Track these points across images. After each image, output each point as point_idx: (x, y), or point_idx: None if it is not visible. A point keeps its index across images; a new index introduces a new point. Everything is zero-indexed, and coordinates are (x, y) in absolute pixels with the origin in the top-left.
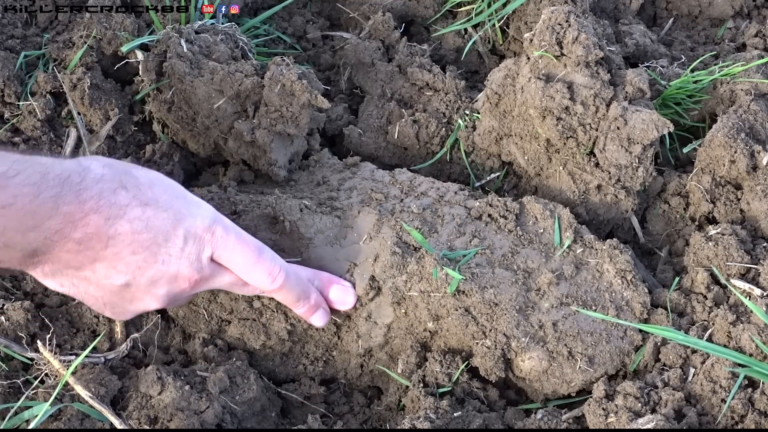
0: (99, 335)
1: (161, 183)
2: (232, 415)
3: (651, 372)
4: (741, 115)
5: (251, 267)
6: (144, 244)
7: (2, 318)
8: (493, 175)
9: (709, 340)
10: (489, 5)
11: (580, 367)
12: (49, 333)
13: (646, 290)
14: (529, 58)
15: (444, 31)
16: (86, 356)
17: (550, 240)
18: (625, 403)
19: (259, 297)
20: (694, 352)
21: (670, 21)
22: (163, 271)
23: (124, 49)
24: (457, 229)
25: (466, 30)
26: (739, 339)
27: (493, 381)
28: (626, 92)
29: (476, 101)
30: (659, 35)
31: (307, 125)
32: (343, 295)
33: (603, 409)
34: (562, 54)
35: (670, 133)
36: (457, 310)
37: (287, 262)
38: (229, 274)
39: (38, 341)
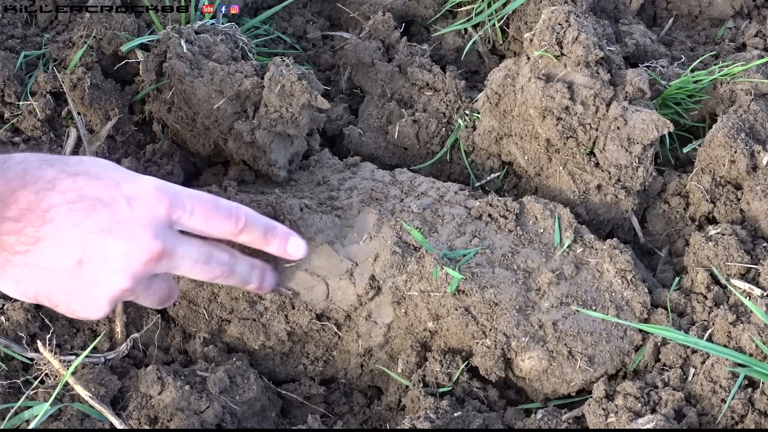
0: (99, 335)
1: (91, 160)
2: (232, 415)
3: (651, 372)
4: (741, 115)
5: (213, 215)
6: (82, 213)
7: (2, 318)
8: (493, 175)
9: (709, 340)
10: (489, 5)
11: (580, 366)
12: (49, 333)
13: (646, 290)
14: (529, 58)
15: (444, 31)
16: (86, 356)
17: (550, 240)
18: (625, 403)
19: (261, 298)
20: (694, 352)
21: (670, 21)
22: (112, 241)
23: (123, 49)
24: (457, 229)
25: (466, 30)
26: (739, 339)
27: (493, 381)
28: (626, 92)
29: (476, 101)
30: (659, 35)
31: (307, 126)
32: (296, 246)
33: (603, 409)
34: (562, 54)
35: (670, 133)
36: (457, 309)
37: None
38: (191, 243)
39: (38, 341)
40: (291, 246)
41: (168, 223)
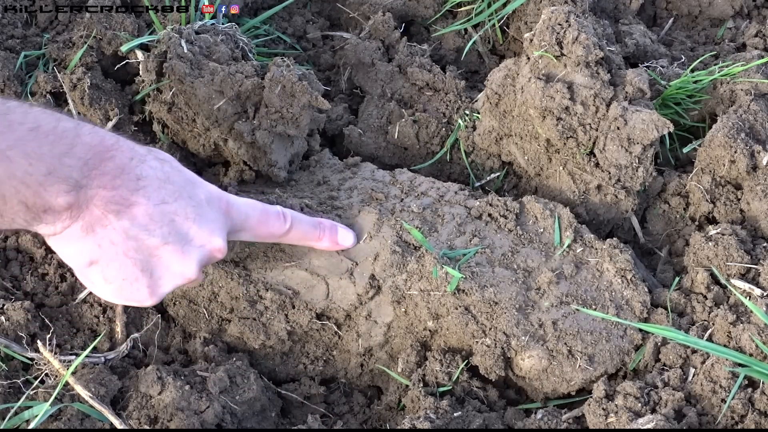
0: (99, 335)
1: (168, 155)
2: (232, 415)
3: (651, 372)
4: (741, 115)
5: (264, 216)
6: (172, 194)
7: (2, 318)
8: (493, 175)
9: (709, 340)
10: (489, 5)
11: (580, 365)
12: (49, 333)
13: (646, 289)
14: (529, 58)
15: (444, 31)
16: (86, 356)
17: (550, 239)
18: (625, 403)
19: (261, 297)
20: (694, 352)
21: (670, 21)
22: (195, 229)
23: (123, 48)
24: (457, 229)
25: (466, 30)
26: (739, 339)
27: (493, 380)
28: (626, 92)
29: (476, 101)
30: (659, 35)
31: (308, 126)
32: (345, 236)
33: (603, 409)
34: (562, 54)
35: (670, 133)
36: (457, 308)
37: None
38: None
39: (38, 341)
40: (341, 237)
41: (229, 223)
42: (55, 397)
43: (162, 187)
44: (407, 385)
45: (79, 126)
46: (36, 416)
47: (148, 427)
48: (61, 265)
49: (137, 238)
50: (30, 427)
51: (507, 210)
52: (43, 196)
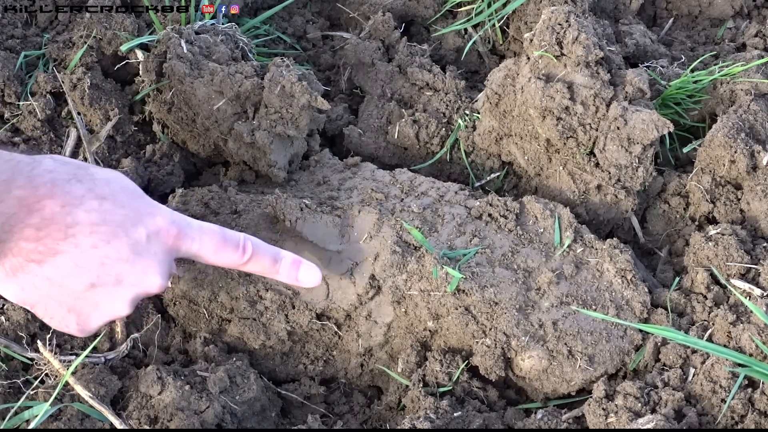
0: (99, 335)
1: (117, 181)
2: (232, 415)
3: (651, 372)
4: (741, 115)
5: (221, 248)
6: (104, 237)
7: (2, 318)
8: (493, 175)
9: (709, 340)
10: (489, 5)
11: (580, 366)
12: (49, 333)
13: (646, 290)
14: (529, 58)
15: (444, 31)
16: (86, 356)
17: (550, 239)
18: (625, 403)
19: (261, 297)
20: (694, 352)
21: (670, 21)
22: (127, 269)
23: (123, 48)
24: (457, 229)
25: (466, 30)
26: (739, 339)
27: (493, 380)
28: (626, 92)
29: (476, 101)
30: (659, 35)
31: (307, 126)
32: (308, 273)
33: (603, 409)
34: (562, 54)
35: (670, 133)
36: (457, 309)
37: None
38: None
39: (38, 341)
40: (303, 272)
41: (176, 254)
42: (55, 397)
43: (94, 232)
44: (407, 385)
45: (13, 177)
46: (36, 416)
47: (148, 427)
48: None
49: (61, 284)
50: (30, 427)
51: (507, 210)
52: None
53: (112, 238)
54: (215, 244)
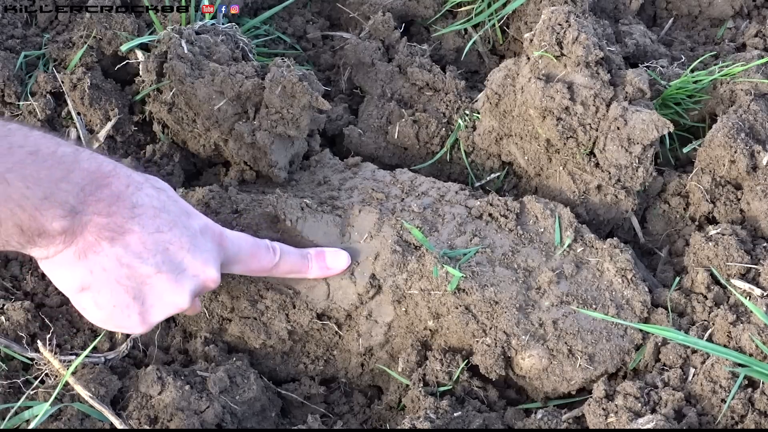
0: (99, 335)
1: (165, 183)
2: (232, 415)
3: (651, 372)
4: (741, 115)
5: (255, 249)
6: (167, 223)
7: (2, 318)
8: (493, 175)
9: (709, 340)
10: (489, 5)
11: (580, 365)
12: (49, 333)
13: (647, 289)
14: (529, 58)
15: (444, 31)
16: (86, 356)
17: (551, 239)
18: (625, 403)
19: (261, 296)
20: (694, 352)
21: (670, 21)
22: (189, 259)
23: (123, 48)
24: (457, 228)
25: (466, 30)
26: (739, 339)
27: (493, 379)
28: (626, 92)
29: (476, 101)
30: (659, 35)
31: (308, 127)
32: (336, 258)
33: (603, 409)
34: (562, 54)
35: (670, 133)
36: (457, 308)
37: None
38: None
39: (38, 341)
40: (329, 259)
41: (222, 253)
42: (55, 397)
43: (157, 216)
44: (407, 385)
45: (77, 152)
46: (36, 416)
47: (148, 427)
48: None
49: (130, 265)
50: (30, 427)
51: (507, 210)
52: (39, 219)
53: (173, 225)
54: (250, 246)
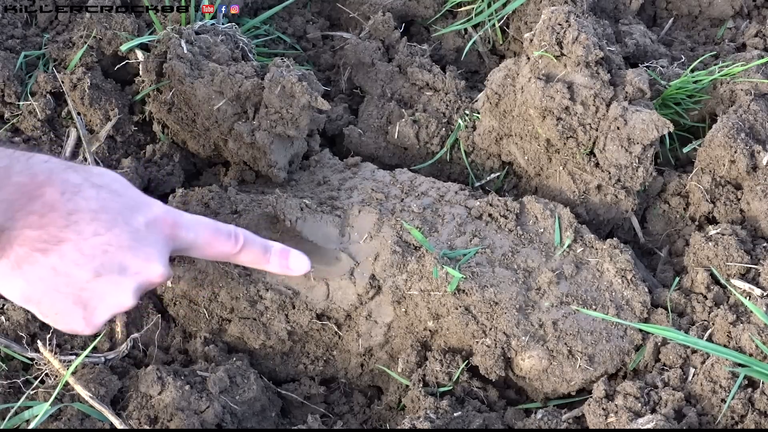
0: (99, 335)
1: (109, 174)
2: (232, 415)
3: (651, 372)
4: (741, 115)
5: (214, 238)
6: (105, 225)
7: (2, 318)
8: (493, 175)
9: (709, 340)
10: (489, 5)
11: (580, 365)
12: (49, 333)
13: (647, 289)
14: (529, 58)
15: (444, 31)
16: (86, 356)
17: (551, 239)
18: (625, 403)
19: (261, 297)
20: (694, 352)
21: (670, 21)
22: (130, 257)
23: (123, 48)
24: (457, 229)
25: (466, 30)
26: (739, 339)
27: (493, 380)
28: (626, 92)
29: (476, 101)
30: (659, 35)
31: (307, 127)
32: (297, 261)
33: (603, 409)
34: (562, 54)
35: (670, 133)
36: (457, 308)
37: None
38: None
39: (38, 341)
40: (292, 260)
41: (173, 244)
42: (55, 397)
43: (95, 219)
44: (407, 385)
45: (11, 165)
46: (36, 416)
47: (148, 427)
48: None
49: (67, 273)
50: (30, 427)
51: (507, 210)
52: None
53: (113, 225)
54: (209, 234)
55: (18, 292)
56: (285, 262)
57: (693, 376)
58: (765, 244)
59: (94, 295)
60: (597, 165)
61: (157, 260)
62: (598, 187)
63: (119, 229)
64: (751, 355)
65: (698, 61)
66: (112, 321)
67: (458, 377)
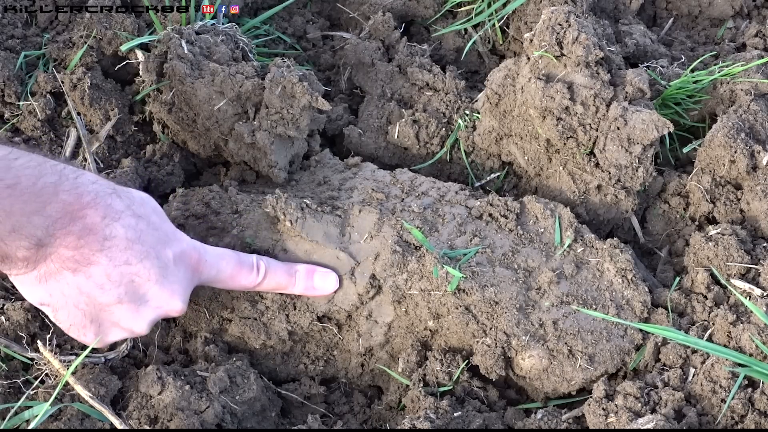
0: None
1: (150, 203)
2: (232, 415)
3: (651, 372)
4: (741, 115)
5: (237, 271)
6: (138, 255)
7: (2, 318)
8: (493, 175)
9: (709, 340)
10: (489, 5)
11: (580, 365)
12: (49, 333)
13: (647, 289)
14: (529, 58)
15: (444, 31)
16: (86, 356)
17: (551, 239)
18: (625, 403)
19: (262, 297)
20: (694, 352)
21: (670, 21)
22: (155, 291)
23: (123, 48)
24: (457, 228)
25: (466, 30)
26: (739, 339)
27: (494, 379)
28: (626, 92)
29: (476, 101)
30: (659, 35)
31: (308, 127)
32: (324, 280)
33: (603, 409)
34: (562, 54)
35: (670, 133)
36: (457, 308)
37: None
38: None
39: (38, 341)
40: (318, 281)
41: (198, 279)
42: (55, 397)
43: (129, 248)
44: (407, 385)
45: (59, 182)
46: (36, 416)
47: (148, 427)
48: None
49: (90, 294)
50: (30, 427)
51: (507, 210)
52: (3, 249)
53: (145, 257)
54: (231, 268)
55: (38, 298)
56: (311, 284)
57: (693, 376)
58: (765, 244)
59: (111, 318)
60: (597, 165)
61: (179, 297)
62: (598, 187)
63: (150, 262)
64: (751, 355)
65: (698, 61)
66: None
67: (458, 377)
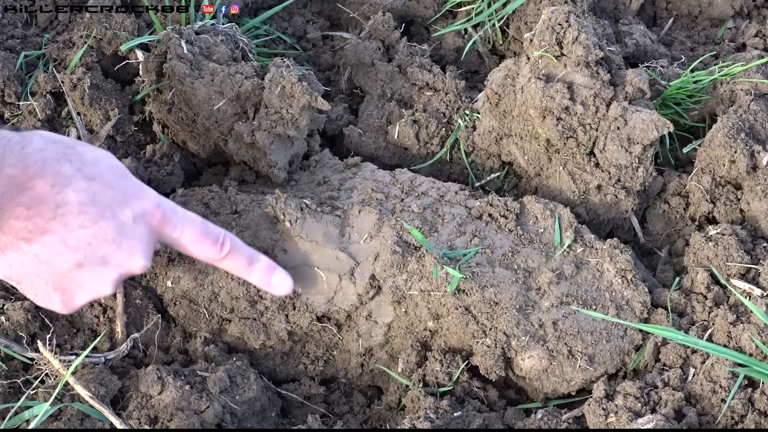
0: (99, 335)
1: (105, 161)
2: (232, 415)
3: (651, 372)
4: (741, 115)
5: (200, 240)
6: (92, 217)
7: (2, 318)
8: (493, 175)
9: (709, 340)
10: (489, 5)
11: (580, 365)
12: (49, 333)
13: (647, 290)
14: (529, 58)
15: (444, 31)
16: (86, 356)
17: (551, 239)
18: (625, 403)
19: (261, 297)
20: (694, 352)
21: (670, 21)
22: (113, 250)
23: (123, 48)
24: (457, 229)
25: (466, 30)
26: (739, 339)
27: (493, 380)
28: (626, 92)
29: (476, 101)
30: (659, 35)
31: (307, 127)
32: (280, 281)
33: (603, 409)
34: (562, 54)
35: (670, 133)
36: (457, 308)
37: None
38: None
39: (38, 341)
40: (275, 279)
41: (159, 237)
42: (55, 397)
43: (83, 212)
44: (407, 385)
45: (4, 156)
46: (36, 416)
47: (148, 427)
48: None
49: (49, 262)
50: (30, 427)
51: (507, 210)
52: None
53: (100, 218)
54: (196, 235)
55: (0, 272)
56: (267, 279)
57: (693, 376)
58: (765, 244)
59: (74, 283)
60: (597, 165)
61: (139, 253)
62: (598, 187)
63: (106, 222)
64: (751, 355)
65: (698, 61)
66: (112, 321)
67: (458, 377)
